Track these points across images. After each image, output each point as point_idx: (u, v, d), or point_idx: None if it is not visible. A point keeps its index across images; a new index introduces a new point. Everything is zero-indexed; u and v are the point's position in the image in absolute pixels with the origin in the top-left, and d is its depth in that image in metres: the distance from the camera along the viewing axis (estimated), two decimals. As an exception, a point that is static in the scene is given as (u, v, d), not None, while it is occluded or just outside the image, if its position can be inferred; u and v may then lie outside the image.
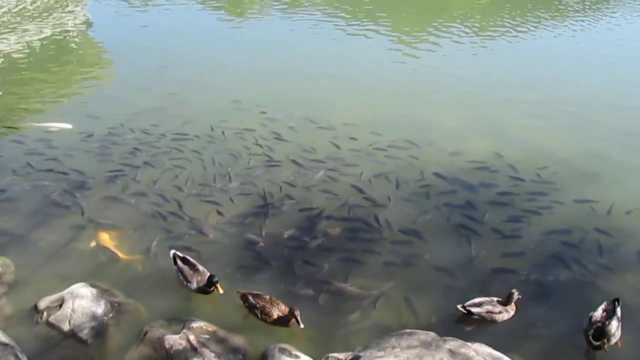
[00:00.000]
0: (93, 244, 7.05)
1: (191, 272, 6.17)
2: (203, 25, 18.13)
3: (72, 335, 5.66)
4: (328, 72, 13.18)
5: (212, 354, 5.30)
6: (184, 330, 5.55)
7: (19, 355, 4.96)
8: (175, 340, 5.41)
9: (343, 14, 18.94)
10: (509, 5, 21.09)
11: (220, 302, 6.17)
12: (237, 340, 5.57)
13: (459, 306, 5.95)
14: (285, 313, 5.71)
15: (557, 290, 6.53)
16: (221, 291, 5.98)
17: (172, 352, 5.32)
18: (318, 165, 8.89)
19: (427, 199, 8.12)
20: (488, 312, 5.93)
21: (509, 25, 17.77)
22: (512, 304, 5.98)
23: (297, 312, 5.58)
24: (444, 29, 17.10)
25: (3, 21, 17.96)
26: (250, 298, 5.87)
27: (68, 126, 9.96)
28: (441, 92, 12.05)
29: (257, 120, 10.36)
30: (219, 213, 7.66)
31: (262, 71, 13.22)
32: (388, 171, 8.77)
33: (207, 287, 6.05)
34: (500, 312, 5.95)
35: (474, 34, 16.81)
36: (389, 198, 8.07)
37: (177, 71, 13.17)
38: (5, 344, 4.92)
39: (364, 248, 7.10)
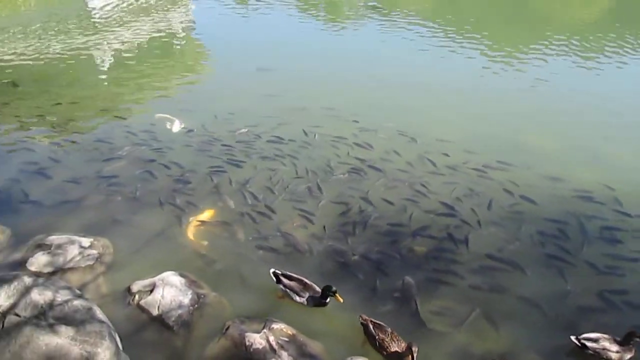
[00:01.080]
0: (185, 235, 7.33)
1: (301, 286, 6.16)
2: (301, 30, 18.55)
3: (160, 320, 5.90)
4: (423, 85, 12.99)
5: (290, 358, 5.33)
6: (265, 330, 5.63)
7: (112, 333, 5.22)
8: (255, 339, 5.50)
9: (442, 27, 18.61)
10: (618, 24, 19.85)
11: (301, 306, 6.19)
12: (316, 346, 5.58)
13: (572, 337, 5.64)
14: (403, 349, 5.43)
15: (661, 338, 6.00)
16: (341, 300, 5.90)
17: (251, 349, 5.41)
18: (408, 179, 8.76)
19: (520, 224, 7.74)
20: (604, 349, 5.54)
21: (617, 46, 16.60)
22: (630, 345, 5.54)
23: (414, 348, 5.28)
24: (546, 47, 16.32)
25: (116, 18, 19.30)
26: (371, 328, 5.65)
27: (179, 125, 10.37)
28: (542, 114, 11.49)
29: (349, 128, 10.38)
30: (308, 220, 7.71)
31: (356, 79, 13.26)
32: (480, 191, 8.47)
33: (323, 298, 6.01)
34: (617, 352, 5.52)
35: (578, 54, 15.88)
36: (479, 220, 7.80)
37: (273, 74, 13.53)
38: (102, 321, 5.20)
39: (449, 269, 6.87)
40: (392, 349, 5.46)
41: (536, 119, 11.24)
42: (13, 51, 15.32)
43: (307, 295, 6.10)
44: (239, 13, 21.02)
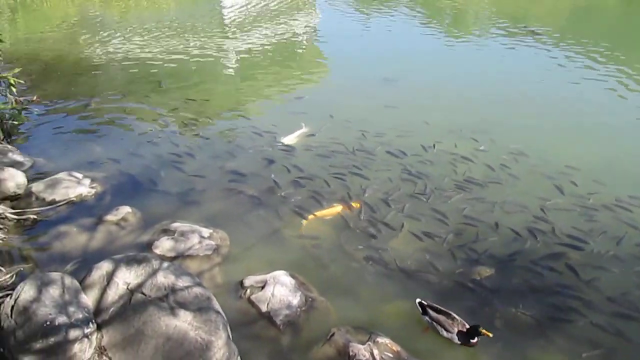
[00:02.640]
0: (298, 237, 7.50)
1: (449, 321, 5.88)
2: (423, 42, 18.34)
3: (268, 317, 6.06)
4: (550, 106, 12.27)
5: (394, 375, 5.26)
6: (369, 342, 5.59)
7: (225, 323, 5.44)
8: (359, 350, 5.48)
9: (572, 46, 17.49)
10: None
11: (408, 323, 6.09)
12: (420, 367, 5.46)
13: None
14: None
15: None
16: (490, 335, 5.58)
17: (355, 360, 5.41)
18: (530, 204, 8.28)
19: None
20: None
21: None
22: None
23: None
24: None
25: (245, 20, 20.29)
26: None
27: (296, 136, 10.51)
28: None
29: (469, 146, 10.04)
30: (419, 238, 7.53)
31: (479, 96, 12.85)
32: (609, 226, 7.78)
33: (471, 337, 5.71)
34: None
35: None
36: (606, 257, 7.18)
37: (393, 85, 13.46)
38: (217, 312, 5.44)
39: (569, 305, 6.40)
40: None
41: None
42: (156, 49, 16.65)
43: (455, 330, 5.80)
44: (361, 22, 21.25)
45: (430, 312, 6.00)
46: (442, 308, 6.01)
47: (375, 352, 5.47)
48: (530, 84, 13.73)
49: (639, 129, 11.35)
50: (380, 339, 5.66)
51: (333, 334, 5.77)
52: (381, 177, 9.03)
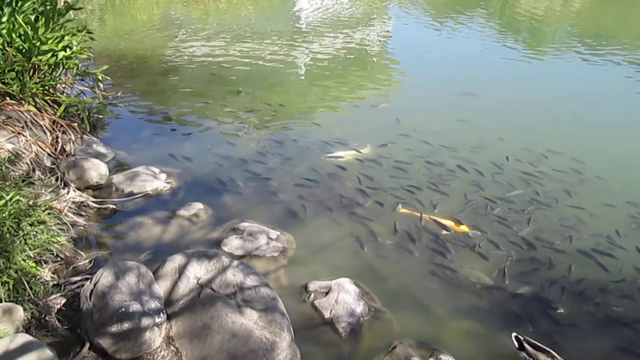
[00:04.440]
0: (364, 246, 7.47)
1: (548, 359, 5.57)
2: (501, 57, 17.86)
3: (330, 323, 6.07)
4: (634, 133, 11.69)
5: (456, 394, 5.13)
6: (431, 359, 5.50)
7: (289, 325, 5.49)
8: (421, 365, 5.40)
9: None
10: None
11: (472, 343, 5.94)
12: (485, 391, 5.31)
13: None
14: None
15: None
16: None
17: (416, 375, 5.33)
18: (608, 231, 7.92)
19: None
20: None
21: None
22: None
23: None
24: None
25: (318, 25, 20.48)
26: None
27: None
28: None
29: (545, 168, 9.68)
30: (488, 257, 7.33)
31: (558, 117, 12.33)
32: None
33: None
34: None
35: None
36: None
37: (467, 99, 13.21)
38: (283, 313, 5.51)
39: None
40: None
41: None
42: (234, 51, 17.10)
43: None
44: (435, 34, 21.03)
45: (528, 347, 5.69)
46: (542, 345, 5.68)
47: (438, 369, 5.37)
48: (614, 107, 13.14)
49: None
50: (443, 357, 5.54)
51: (395, 347, 5.71)
52: (453, 192, 8.86)
